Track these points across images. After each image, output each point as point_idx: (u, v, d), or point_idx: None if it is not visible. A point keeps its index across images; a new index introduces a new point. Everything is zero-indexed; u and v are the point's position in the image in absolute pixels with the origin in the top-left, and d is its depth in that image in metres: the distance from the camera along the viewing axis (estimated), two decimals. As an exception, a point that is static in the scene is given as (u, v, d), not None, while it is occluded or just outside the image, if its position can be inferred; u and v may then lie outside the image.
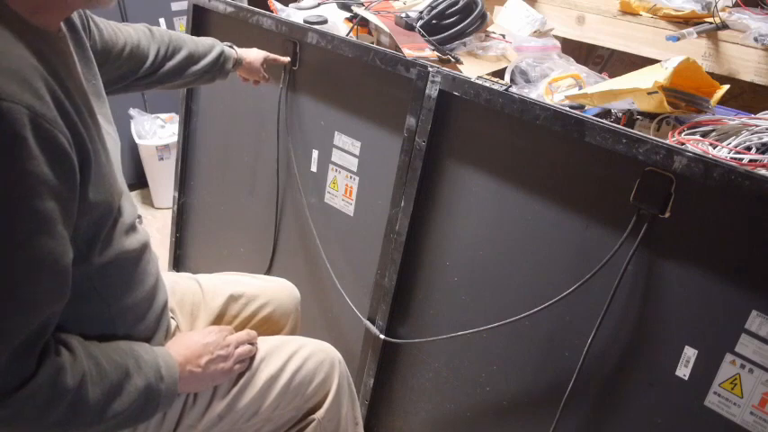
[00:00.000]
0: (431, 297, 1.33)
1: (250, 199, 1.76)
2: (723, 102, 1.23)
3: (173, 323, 1.07)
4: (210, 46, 1.32)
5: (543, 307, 1.08)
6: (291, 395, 1.05)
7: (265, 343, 1.07)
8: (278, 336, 1.16)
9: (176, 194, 1.95)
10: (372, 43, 1.58)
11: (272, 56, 1.44)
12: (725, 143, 1.03)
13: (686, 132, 1.09)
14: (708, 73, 1.24)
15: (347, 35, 1.56)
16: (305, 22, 1.55)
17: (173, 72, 1.25)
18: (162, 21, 2.64)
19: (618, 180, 0.99)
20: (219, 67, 1.34)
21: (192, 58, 1.28)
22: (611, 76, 1.43)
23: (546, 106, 1.04)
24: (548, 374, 1.15)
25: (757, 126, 1.05)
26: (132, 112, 2.56)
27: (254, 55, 1.41)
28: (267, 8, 1.68)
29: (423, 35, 1.50)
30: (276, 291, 1.27)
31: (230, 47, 1.38)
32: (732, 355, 0.92)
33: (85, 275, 0.76)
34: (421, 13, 1.56)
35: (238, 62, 1.38)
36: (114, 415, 0.77)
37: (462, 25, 1.52)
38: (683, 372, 0.97)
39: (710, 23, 1.71)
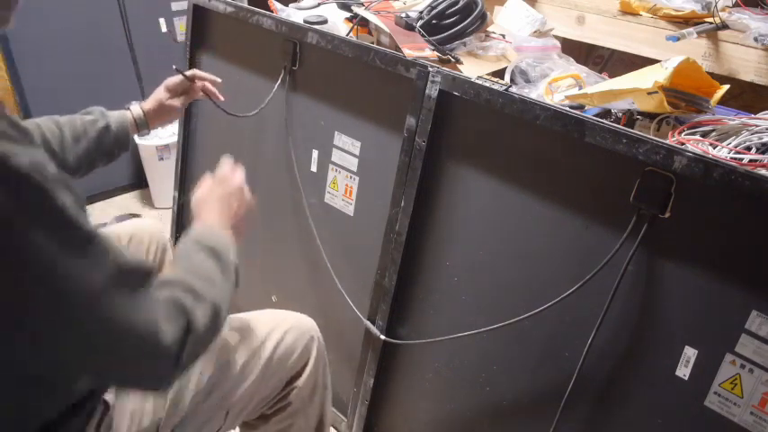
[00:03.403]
0: (431, 297, 1.33)
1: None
2: (723, 102, 1.23)
3: None
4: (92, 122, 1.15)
5: (544, 308, 1.08)
6: (275, 368, 1.08)
7: (244, 321, 1.10)
8: (255, 312, 1.17)
9: (176, 194, 1.95)
10: (372, 43, 1.58)
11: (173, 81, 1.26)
12: (725, 143, 1.03)
13: (686, 132, 1.09)
14: (708, 73, 1.24)
15: (347, 35, 1.56)
16: (305, 22, 1.55)
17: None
18: (162, 21, 2.64)
19: (618, 180, 0.99)
20: (113, 140, 1.18)
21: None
22: (611, 76, 1.43)
23: (546, 106, 1.04)
24: (548, 374, 1.15)
25: (757, 126, 1.05)
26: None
27: (156, 97, 1.26)
28: (267, 8, 1.68)
29: (423, 35, 1.50)
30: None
31: (127, 108, 1.23)
32: (732, 355, 0.92)
33: None
34: (421, 13, 1.56)
35: (140, 122, 1.24)
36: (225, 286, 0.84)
37: (462, 25, 1.52)
38: (683, 372, 0.97)
39: (710, 23, 1.71)
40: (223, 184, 1.02)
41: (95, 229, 0.64)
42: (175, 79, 1.28)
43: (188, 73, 1.31)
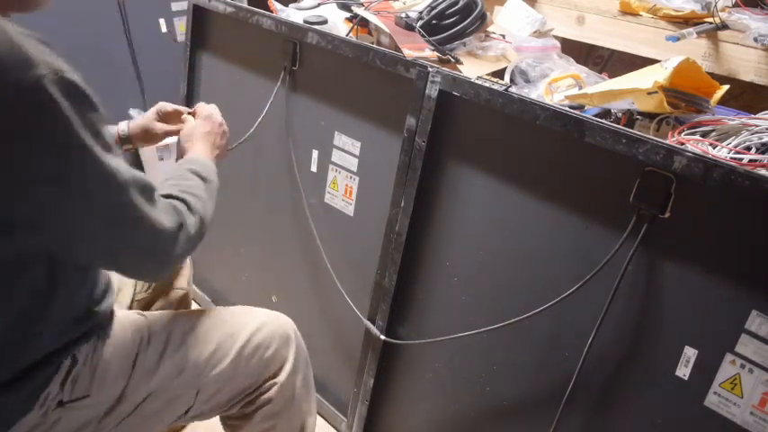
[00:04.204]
0: (431, 297, 1.33)
1: (250, 199, 1.76)
2: (723, 102, 1.23)
3: None
4: None
5: (544, 308, 1.08)
6: (249, 354, 1.11)
7: (222, 311, 1.16)
8: (233, 306, 1.21)
9: (176, 194, 1.95)
10: (372, 43, 1.58)
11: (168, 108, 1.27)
12: (725, 143, 1.03)
13: (686, 132, 1.09)
14: (708, 73, 1.24)
15: (347, 35, 1.56)
16: (305, 22, 1.55)
17: None
18: (162, 21, 2.64)
19: (618, 180, 0.99)
20: None
21: None
22: (611, 76, 1.43)
23: (546, 106, 1.04)
24: (548, 374, 1.15)
25: (757, 126, 1.05)
26: (132, 112, 2.56)
27: (144, 121, 1.27)
28: (267, 8, 1.68)
29: (423, 35, 1.50)
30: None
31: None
32: (732, 354, 0.92)
33: None
34: (421, 13, 1.56)
35: (123, 136, 1.26)
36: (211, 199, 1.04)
37: (462, 25, 1.52)
38: (683, 372, 0.97)
39: (710, 23, 1.71)
40: (206, 121, 1.19)
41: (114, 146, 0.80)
42: (168, 106, 1.28)
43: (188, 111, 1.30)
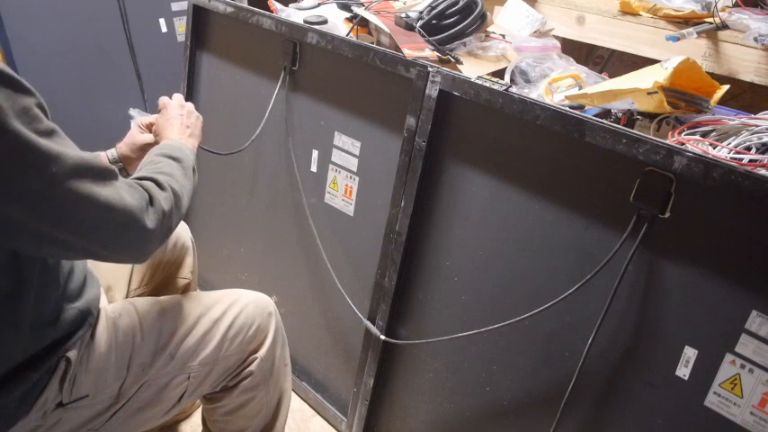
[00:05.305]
0: (431, 297, 1.33)
1: (250, 199, 1.76)
2: (723, 102, 1.23)
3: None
4: None
5: (544, 308, 1.08)
6: (233, 335, 1.16)
7: (207, 297, 1.20)
8: (217, 291, 1.25)
9: (176, 194, 1.95)
10: (372, 43, 1.58)
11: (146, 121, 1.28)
12: (725, 143, 1.03)
13: (686, 132, 1.09)
14: (708, 73, 1.24)
15: (347, 35, 1.56)
16: (305, 22, 1.55)
17: None
18: (162, 21, 2.64)
19: (618, 180, 0.99)
20: None
21: None
22: (611, 76, 1.43)
23: (546, 106, 1.04)
24: (548, 374, 1.15)
25: (757, 126, 1.05)
26: (132, 112, 2.56)
27: (128, 139, 1.27)
28: (267, 8, 1.68)
29: (423, 35, 1.50)
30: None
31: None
32: (732, 355, 0.92)
33: None
34: (421, 13, 1.56)
35: (113, 159, 1.24)
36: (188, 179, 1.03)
37: (462, 25, 1.52)
38: (683, 372, 0.97)
39: (710, 23, 1.71)
40: (164, 111, 1.21)
41: (59, 130, 0.76)
42: (146, 119, 1.28)
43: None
